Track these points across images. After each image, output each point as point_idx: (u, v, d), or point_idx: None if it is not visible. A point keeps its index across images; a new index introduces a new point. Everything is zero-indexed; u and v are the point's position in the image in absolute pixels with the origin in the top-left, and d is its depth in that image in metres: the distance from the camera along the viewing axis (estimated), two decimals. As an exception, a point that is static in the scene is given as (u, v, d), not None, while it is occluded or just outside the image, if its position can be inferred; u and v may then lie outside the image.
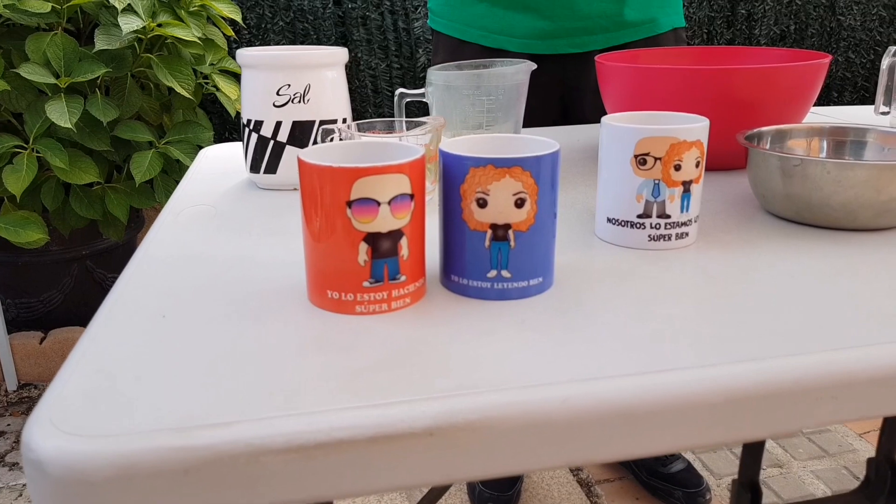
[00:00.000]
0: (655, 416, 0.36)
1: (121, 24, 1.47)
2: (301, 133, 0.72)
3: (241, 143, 0.86)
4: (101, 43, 1.48)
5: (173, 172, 1.71)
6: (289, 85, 0.71)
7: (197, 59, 1.68)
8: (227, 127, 2.38)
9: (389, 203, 0.43)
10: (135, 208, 1.76)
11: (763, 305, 0.45)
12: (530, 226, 0.46)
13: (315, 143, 0.72)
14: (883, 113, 0.98)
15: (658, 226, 0.55)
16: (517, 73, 0.74)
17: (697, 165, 0.55)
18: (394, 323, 0.44)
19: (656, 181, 0.54)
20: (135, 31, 1.50)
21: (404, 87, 2.50)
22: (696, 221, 0.57)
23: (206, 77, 1.76)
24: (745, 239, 0.58)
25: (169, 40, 1.63)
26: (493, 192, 0.45)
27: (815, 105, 3.00)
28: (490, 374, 0.38)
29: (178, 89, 1.57)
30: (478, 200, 0.45)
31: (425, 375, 0.38)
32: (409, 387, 0.37)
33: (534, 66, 0.76)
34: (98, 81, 1.56)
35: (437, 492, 1.20)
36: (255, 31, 2.31)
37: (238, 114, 1.92)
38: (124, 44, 1.50)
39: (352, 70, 2.42)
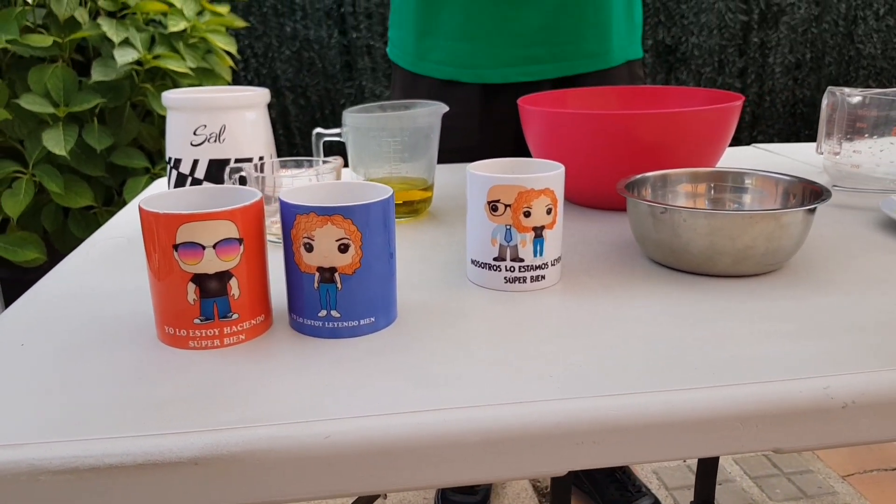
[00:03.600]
0: (411, 452, 0.39)
1: (116, 56, 1.56)
2: (217, 171, 0.76)
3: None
4: (97, 74, 1.57)
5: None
6: (205, 125, 0.75)
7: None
8: None
9: (215, 246, 0.47)
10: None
11: (587, 346, 0.47)
12: (356, 269, 0.49)
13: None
14: (820, 153, 0.99)
15: (512, 268, 0.58)
16: (424, 116, 0.77)
17: (549, 212, 0.57)
18: (220, 358, 0.47)
19: (507, 226, 0.57)
20: (131, 63, 1.58)
21: (409, 114, 2.56)
22: (554, 264, 0.59)
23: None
24: (606, 283, 0.60)
25: (168, 73, 1.72)
26: (318, 238, 0.48)
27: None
28: (270, 409, 0.41)
29: (172, 118, 1.64)
30: (305, 245, 0.49)
31: (212, 409, 0.41)
32: (191, 419, 0.40)
33: (445, 108, 0.79)
34: (95, 110, 1.64)
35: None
36: (261, 60, 2.40)
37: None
38: (120, 75, 1.58)
39: (357, 97, 2.49)
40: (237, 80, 2.35)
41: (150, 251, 0.48)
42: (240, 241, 0.48)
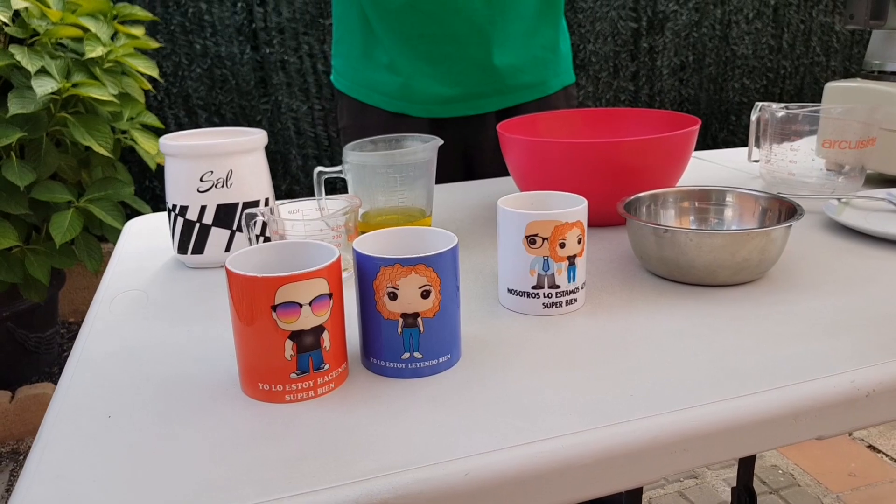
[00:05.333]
0: (542, 479, 0.44)
1: (35, 87, 1.48)
2: (225, 215, 0.77)
3: (165, 213, 0.90)
4: (14, 107, 1.48)
5: (95, 229, 1.71)
6: (212, 171, 0.76)
7: (114, 116, 1.69)
8: (148, 176, 2.38)
9: (310, 304, 0.49)
10: (55, 267, 1.74)
11: (638, 366, 0.54)
12: (436, 312, 0.53)
13: (239, 227, 0.77)
14: (754, 161, 1.11)
15: (550, 295, 0.64)
16: (426, 151, 0.81)
17: (579, 241, 0.63)
18: (320, 408, 0.50)
19: (545, 257, 0.62)
20: (49, 94, 1.50)
21: (325, 128, 2.56)
22: (583, 287, 0.66)
23: (124, 131, 1.77)
24: (626, 299, 0.67)
25: (85, 99, 1.64)
26: (402, 287, 0.52)
27: (717, 128, 3.22)
28: (403, 454, 0.44)
29: (97, 148, 1.58)
30: (389, 294, 0.52)
31: (347, 460, 0.44)
32: (333, 472, 0.43)
33: (440, 142, 0.84)
34: (12, 145, 1.55)
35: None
36: (171, 80, 2.32)
37: (159, 167, 1.93)
38: (39, 107, 1.50)
39: (273, 113, 2.46)
40: (148, 101, 2.26)
41: (244, 312, 0.49)
42: (330, 295, 0.50)
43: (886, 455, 1.86)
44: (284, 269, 0.54)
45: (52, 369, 2.04)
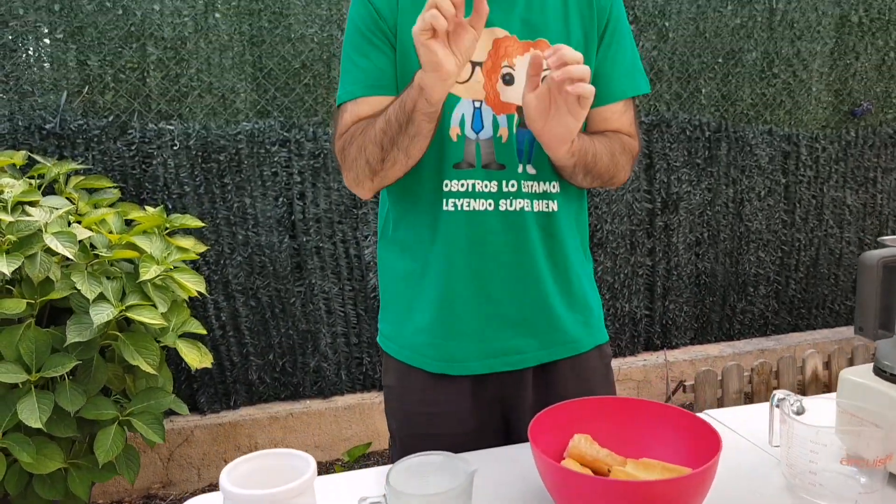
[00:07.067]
0: None
1: (92, 315, 1.59)
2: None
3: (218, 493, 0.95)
4: (73, 335, 1.58)
5: (136, 442, 1.77)
6: (268, 517, 0.82)
7: (161, 330, 1.80)
8: (188, 376, 2.43)
9: None
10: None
11: None
12: None
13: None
14: (776, 445, 1.16)
15: None
16: (464, 484, 0.87)
17: None
18: None
19: None
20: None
21: (355, 306, 2.66)
22: None
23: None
24: None
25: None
26: None
27: (736, 298, 3.28)
28: None
29: (144, 367, 1.67)
30: None
31: None
32: None
33: (475, 468, 0.90)
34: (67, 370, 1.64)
35: None
36: (213, 267, 2.45)
37: (199, 370, 2.02)
38: (95, 334, 1.61)
39: (306, 295, 2.58)
40: (192, 306, 2.39)
41: None
42: None
43: None
44: None
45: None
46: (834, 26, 3.19)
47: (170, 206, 2.37)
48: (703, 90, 3.05)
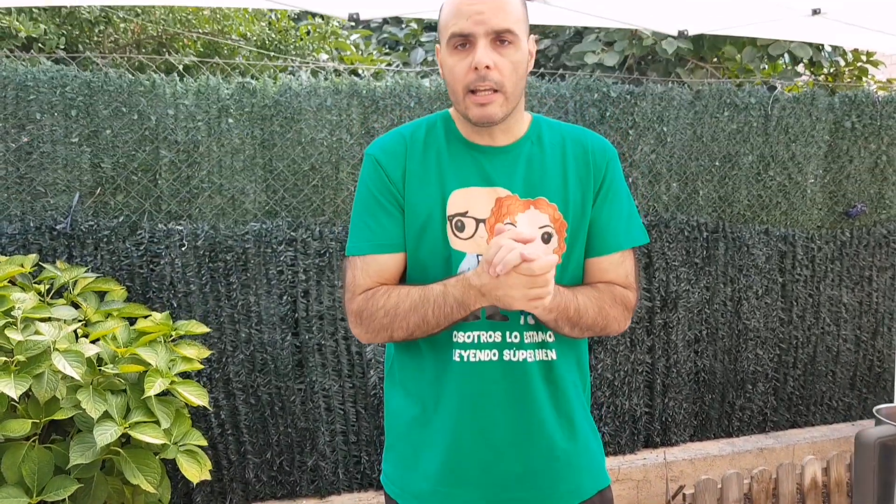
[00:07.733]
0: None
1: (96, 435, 1.59)
2: None
3: None
4: (76, 457, 1.58)
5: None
6: None
7: (163, 446, 1.79)
8: (188, 489, 2.40)
9: None
10: None
11: None
12: None
13: None
14: None
15: None
16: None
17: None
18: None
19: None
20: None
21: (354, 404, 2.65)
22: None
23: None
24: None
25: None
26: None
27: (734, 395, 3.28)
28: None
29: (145, 486, 1.66)
30: None
31: None
32: None
33: None
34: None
35: None
36: (215, 365, 2.46)
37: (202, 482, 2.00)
38: (98, 455, 1.61)
39: (306, 392, 2.58)
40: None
41: None
42: None
43: None
44: None
45: None
46: (828, 131, 3.28)
47: (174, 305, 2.39)
48: (701, 192, 3.12)
